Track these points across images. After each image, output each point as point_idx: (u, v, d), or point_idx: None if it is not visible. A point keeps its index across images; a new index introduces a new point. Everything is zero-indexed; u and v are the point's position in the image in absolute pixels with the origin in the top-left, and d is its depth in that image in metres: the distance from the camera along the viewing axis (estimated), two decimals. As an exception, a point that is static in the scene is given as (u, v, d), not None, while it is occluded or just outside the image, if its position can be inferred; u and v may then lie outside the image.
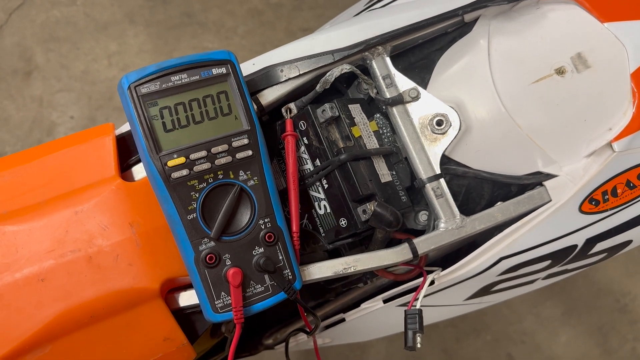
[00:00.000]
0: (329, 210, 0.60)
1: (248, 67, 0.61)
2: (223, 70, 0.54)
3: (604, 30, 0.60)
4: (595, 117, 0.60)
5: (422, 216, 0.62)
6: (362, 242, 0.63)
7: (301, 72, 0.60)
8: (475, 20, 0.62)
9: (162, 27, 1.69)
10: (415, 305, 0.60)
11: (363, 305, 0.67)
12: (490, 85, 0.60)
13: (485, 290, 0.67)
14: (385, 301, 0.66)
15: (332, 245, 0.61)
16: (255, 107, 0.59)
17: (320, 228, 0.61)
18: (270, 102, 0.60)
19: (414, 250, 0.58)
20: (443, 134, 0.60)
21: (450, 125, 0.60)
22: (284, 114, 0.61)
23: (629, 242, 0.66)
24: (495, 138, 0.60)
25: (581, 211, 0.60)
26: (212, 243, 0.52)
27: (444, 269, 0.63)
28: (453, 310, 0.78)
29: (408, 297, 0.65)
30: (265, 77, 0.60)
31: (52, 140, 0.59)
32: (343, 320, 0.70)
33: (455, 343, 1.48)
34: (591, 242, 0.63)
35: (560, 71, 0.60)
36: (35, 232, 0.53)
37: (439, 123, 0.60)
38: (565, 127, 0.60)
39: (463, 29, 0.63)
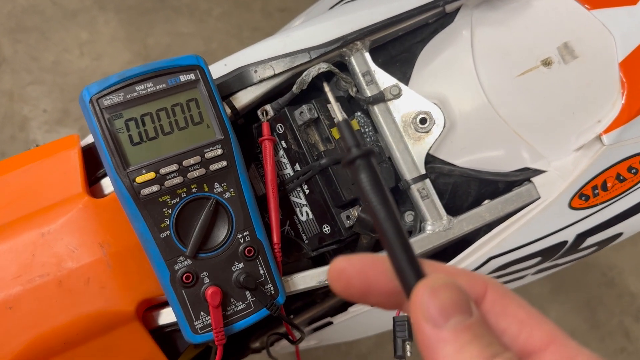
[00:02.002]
0: (311, 216, 0.57)
1: (219, 69, 0.57)
2: (192, 76, 0.51)
3: (591, 18, 0.57)
4: (584, 109, 0.57)
5: (408, 217, 0.59)
6: (347, 247, 0.61)
7: (276, 72, 0.57)
8: (456, 11, 0.59)
9: (133, 12, 1.62)
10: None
11: (351, 309, 0.65)
12: (474, 78, 0.57)
13: (475, 288, 0.66)
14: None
15: (315, 252, 0.58)
16: (229, 111, 0.56)
17: (303, 235, 0.58)
18: (245, 104, 0.57)
19: (400, 254, 0.56)
20: (427, 132, 0.57)
21: (434, 123, 0.57)
22: (260, 116, 0.58)
23: (620, 234, 0.65)
24: (480, 134, 0.58)
25: (571, 207, 0.58)
26: (188, 261, 0.49)
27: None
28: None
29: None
30: (239, 79, 0.57)
31: (13, 156, 0.55)
32: (330, 323, 0.69)
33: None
34: (581, 237, 0.62)
35: (546, 62, 0.57)
36: (0, 256, 0.50)
37: (423, 121, 0.57)
38: (553, 120, 0.58)
39: (445, 19, 0.60)
